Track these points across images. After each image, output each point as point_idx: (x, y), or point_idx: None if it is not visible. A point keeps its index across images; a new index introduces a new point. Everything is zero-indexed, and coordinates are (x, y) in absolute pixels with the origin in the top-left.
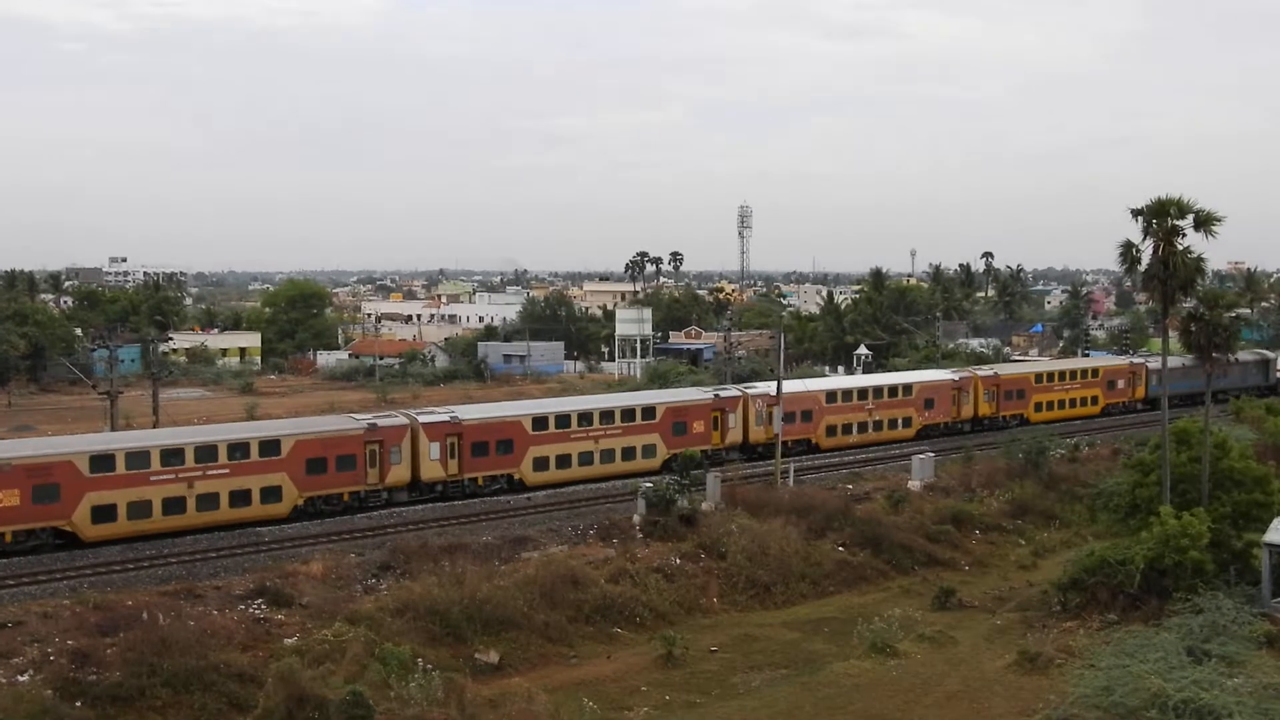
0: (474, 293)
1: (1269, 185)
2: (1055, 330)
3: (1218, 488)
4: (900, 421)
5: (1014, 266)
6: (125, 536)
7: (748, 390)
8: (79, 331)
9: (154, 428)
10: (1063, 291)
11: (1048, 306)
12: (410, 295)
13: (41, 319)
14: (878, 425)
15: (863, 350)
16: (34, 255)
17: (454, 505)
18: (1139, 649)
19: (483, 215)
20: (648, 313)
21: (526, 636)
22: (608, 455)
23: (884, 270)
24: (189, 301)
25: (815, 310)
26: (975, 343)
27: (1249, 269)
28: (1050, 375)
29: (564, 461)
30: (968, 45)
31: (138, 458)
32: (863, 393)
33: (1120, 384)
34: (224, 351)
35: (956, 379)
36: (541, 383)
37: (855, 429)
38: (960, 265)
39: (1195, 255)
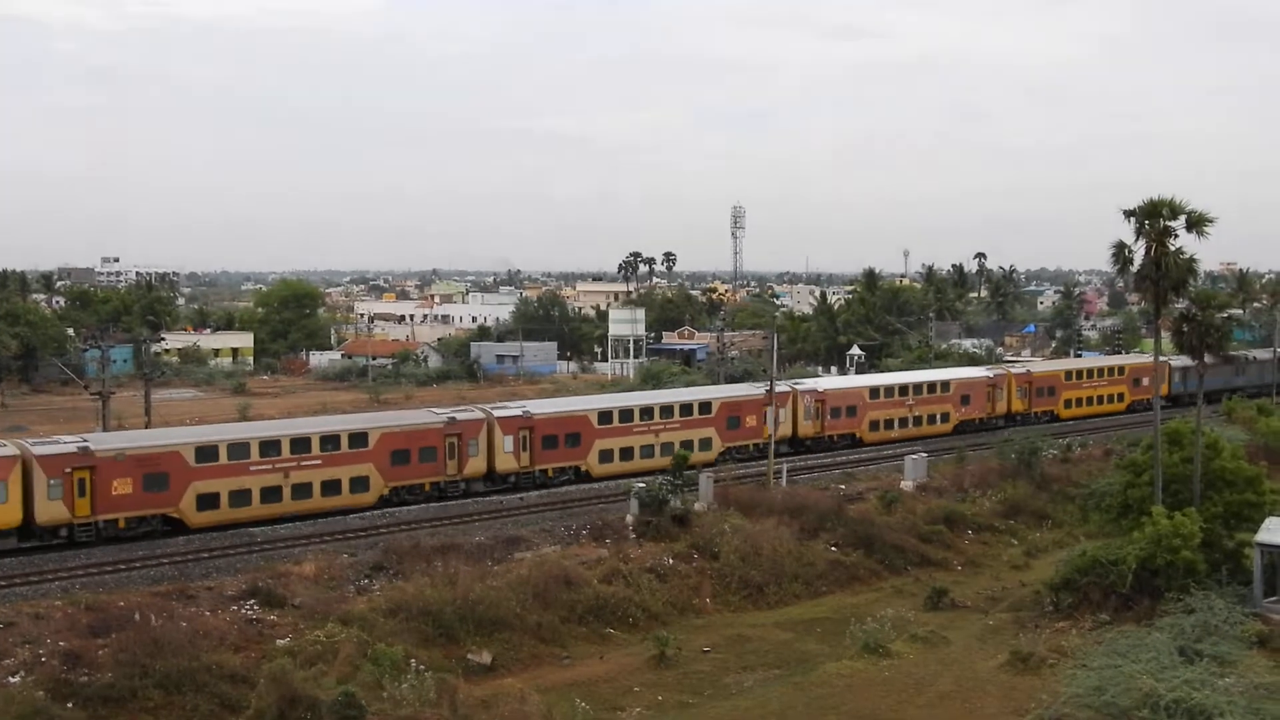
0: (467, 293)
1: (1261, 186)
2: (1048, 330)
3: (1209, 488)
4: (939, 417)
5: (1007, 267)
6: (226, 524)
7: (796, 386)
8: (71, 332)
9: (146, 428)
10: (1055, 292)
11: (1040, 307)
12: (403, 295)
13: (33, 319)
14: (917, 420)
15: (855, 350)
16: (26, 255)
17: (446, 505)
18: (1131, 649)
19: (477, 215)
20: (641, 313)
21: (519, 637)
22: (667, 448)
23: (877, 271)
24: (181, 302)
25: (808, 310)
26: (968, 343)
27: (1241, 269)
28: (1080, 373)
29: (627, 454)
30: (962, 45)
31: (238, 449)
32: (904, 389)
33: (1146, 381)
34: (216, 352)
35: (991, 376)
36: (534, 383)
37: (897, 424)
38: (953, 266)
39: (1187, 256)
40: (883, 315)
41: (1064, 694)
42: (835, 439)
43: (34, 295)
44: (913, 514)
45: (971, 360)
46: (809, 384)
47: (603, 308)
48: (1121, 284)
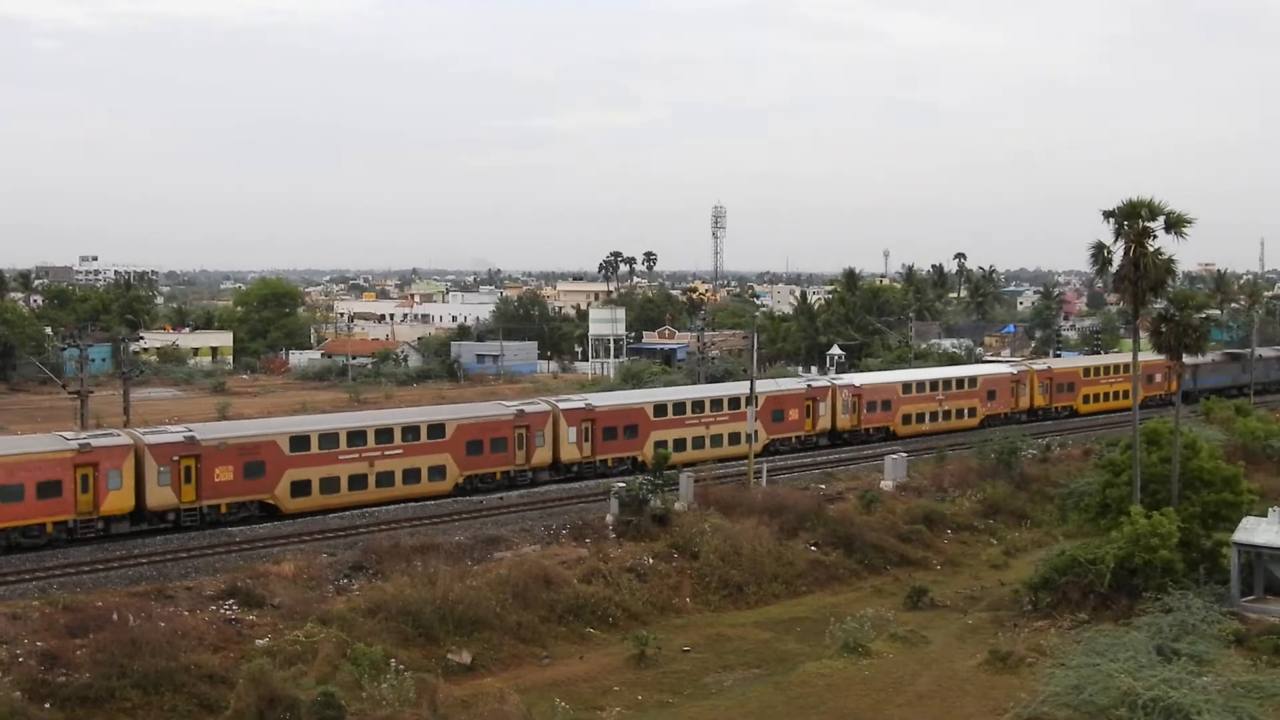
0: (447, 292)
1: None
2: (1027, 331)
3: (1187, 488)
4: (966, 411)
5: (986, 268)
6: (316, 510)
7: (835, 381)
8: (49, 330)
9: (124, 426)
10: (1035, 292)
11: (1020, 307)
12: (383, 295)
13: (11, 318)
14: (946, 415)
15: (836, 350)
16: (4, 253)
17: (424, 505)
18: (1109, 648)
19: (457, 215)
20: (621, 313)
21: (499, 637)
22: (716, 440)
23: (857, 271)
24: (160, 300)
25: (788, 310)
26: (948, 343)
27: (1219, 270)
28: (1097, 370)
29: (680, 445)
30: (946, 47)
31: (329, 439)
32: (934, 384)
33: (1158, 378)
34: (195, 351)
35: (1015, 373)
36: (515, 383)
37: (928, 418)
38: (933, 266)
39: (1166, 257)
40: (863, 315)
41: (1042, 693)
42: (871, 432)
43: (12, 294)
44: (892, 514)
45: (951, 360)
46: (846, 379)
47: (583, 307)
48: (1101, 284)
